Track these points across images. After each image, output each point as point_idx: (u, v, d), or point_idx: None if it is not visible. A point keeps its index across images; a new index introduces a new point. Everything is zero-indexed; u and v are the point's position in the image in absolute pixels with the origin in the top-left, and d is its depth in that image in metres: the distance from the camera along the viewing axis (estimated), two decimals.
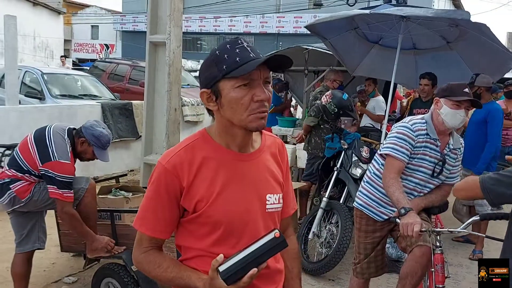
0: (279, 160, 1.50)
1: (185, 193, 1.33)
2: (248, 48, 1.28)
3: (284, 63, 1.32)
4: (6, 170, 3.08)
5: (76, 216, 3.03)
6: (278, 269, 1.47)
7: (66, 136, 3.08)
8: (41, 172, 2.97)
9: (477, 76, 4.54)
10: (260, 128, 1.34)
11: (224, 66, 1.26)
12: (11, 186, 3.01)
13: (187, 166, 1.33)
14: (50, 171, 2.93)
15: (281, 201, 1.46)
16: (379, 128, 6.18)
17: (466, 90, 2.66)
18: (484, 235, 2.39)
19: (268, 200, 1.41)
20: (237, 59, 1.26)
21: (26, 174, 3.04)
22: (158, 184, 1.34)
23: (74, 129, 3.18)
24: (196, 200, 1.33)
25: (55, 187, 2.93)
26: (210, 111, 1.37)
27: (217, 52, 1.29)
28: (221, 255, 1.23)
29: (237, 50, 1.27)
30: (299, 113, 9.46)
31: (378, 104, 6.65)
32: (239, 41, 1.29)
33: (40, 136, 3.04)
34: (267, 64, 1.28)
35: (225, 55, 1.27)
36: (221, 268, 1.21)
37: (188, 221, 1.37)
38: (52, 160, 2.94)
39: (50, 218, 3.48)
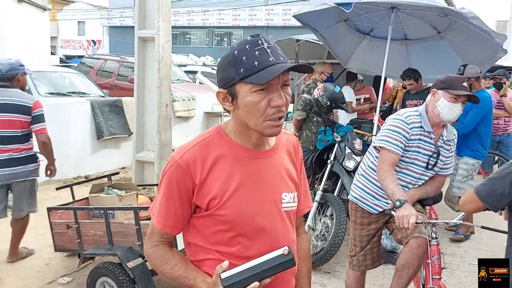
0: (294, 158, 1.47)
1: (197, 190, 1.30)
2: (268, 50, 1.22)
3: (304, 70, 1.32)
4: (26, 145, 3.65)
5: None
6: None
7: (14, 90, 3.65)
8: (34, 115, 3.59)
9: (464, 67, 4.53)
10: (275, 135, 1.30)
11: (242, 70, 1.21)
12: (37, 160, 3.76)
13: (200, 163, 1.29)
14: (38, 109, 3.61)
15: (296, 200, 1.43)
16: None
17: (465, 84, 2.66)
18: (479, 226, 2.39)
19: (284, 199, 1.38)
20: (256, 63, 1.20)
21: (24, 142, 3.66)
22: (170, 179, 1.31)
23: (3, 85, 3.61)
24: (209, 198, 1.30)
25: (43, 122, 3.64)
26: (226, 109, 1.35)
27: (235, 52, 1.23)
28: (227, 262, 1.23)
29: (256, 52, 1.21)
30: (290, 107, 9.44)
31: None
32: (260, 41, 1.23)
33: (3, 106, 3.53)
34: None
35: (244, 57, 1.21)
36: (223, 275, 1.21)
37: (201, 217, 1.34)
38: (34, 100, 3.64)
39: (42, 218, 3.44)
